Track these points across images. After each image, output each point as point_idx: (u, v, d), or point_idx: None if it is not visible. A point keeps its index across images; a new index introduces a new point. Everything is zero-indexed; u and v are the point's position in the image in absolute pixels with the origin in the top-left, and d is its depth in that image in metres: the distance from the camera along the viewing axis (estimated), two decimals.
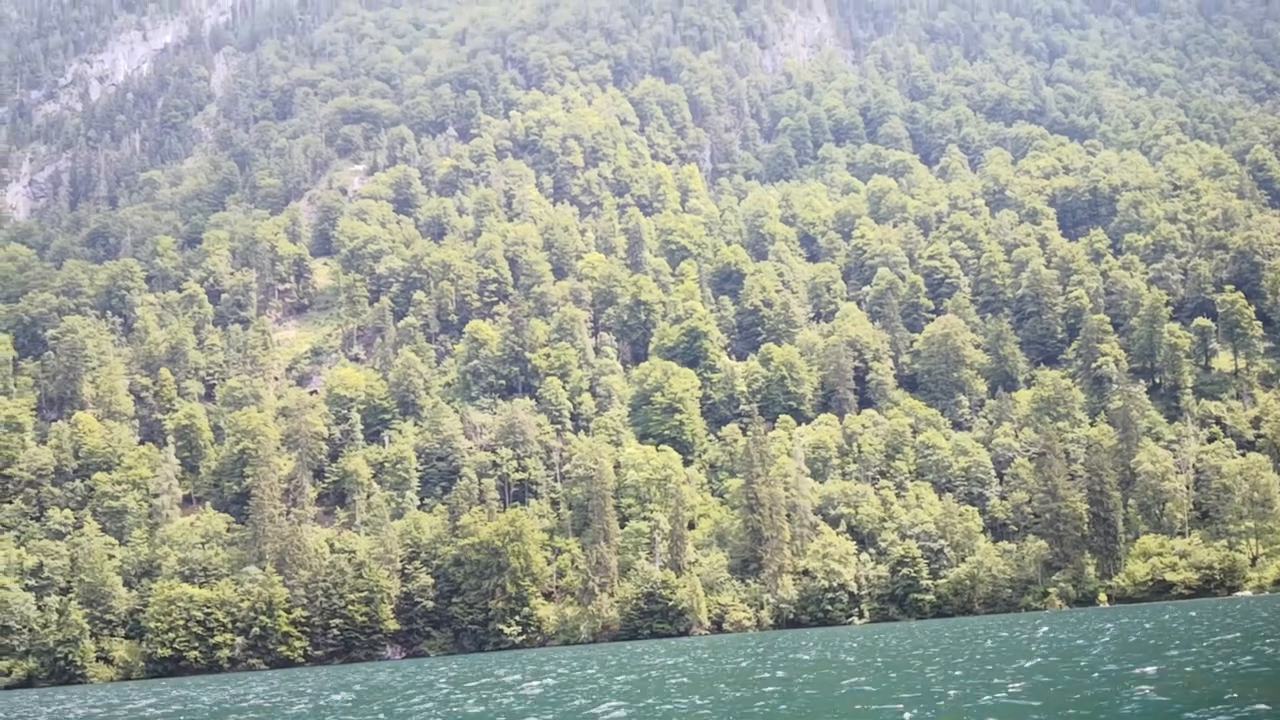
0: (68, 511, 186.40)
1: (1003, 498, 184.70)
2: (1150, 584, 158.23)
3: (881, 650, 74.61)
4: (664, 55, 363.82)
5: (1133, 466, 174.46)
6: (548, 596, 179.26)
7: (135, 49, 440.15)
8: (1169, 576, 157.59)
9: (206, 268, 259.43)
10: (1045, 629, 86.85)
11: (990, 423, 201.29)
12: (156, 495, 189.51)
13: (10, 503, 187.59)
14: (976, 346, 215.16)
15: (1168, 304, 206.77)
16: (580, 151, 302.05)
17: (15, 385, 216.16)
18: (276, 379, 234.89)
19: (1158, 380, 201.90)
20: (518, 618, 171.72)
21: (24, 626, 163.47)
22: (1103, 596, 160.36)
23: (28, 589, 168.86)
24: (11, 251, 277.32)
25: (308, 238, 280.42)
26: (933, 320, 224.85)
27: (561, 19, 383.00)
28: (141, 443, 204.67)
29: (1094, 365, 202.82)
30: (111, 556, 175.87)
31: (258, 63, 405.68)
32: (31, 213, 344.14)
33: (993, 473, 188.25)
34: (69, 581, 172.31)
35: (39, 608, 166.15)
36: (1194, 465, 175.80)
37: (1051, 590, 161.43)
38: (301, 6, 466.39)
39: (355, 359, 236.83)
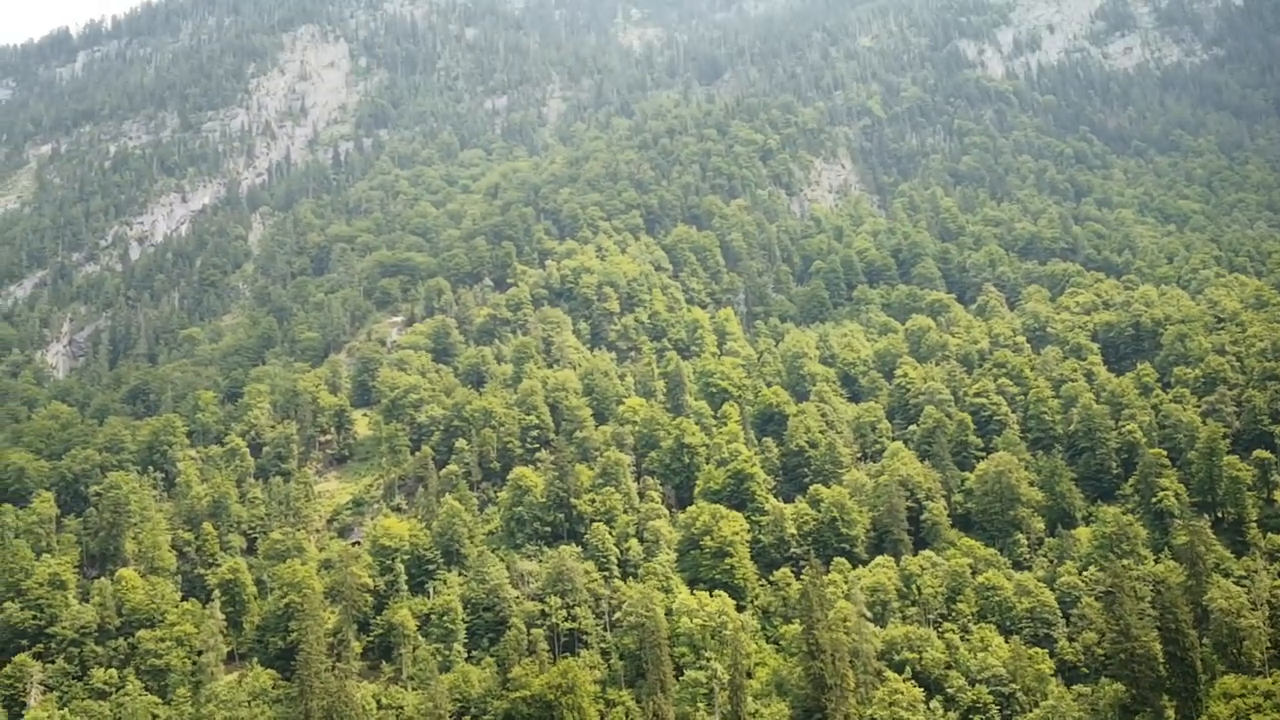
0: (111, 670, 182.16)
1: (1071, 639, 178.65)
2: None
3: None
4: (694, 203, 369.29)
5: (1205, 604, 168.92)
6: None
7: (174, 210, 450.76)
8: (1254, 718, 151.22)
9: (248, 421, 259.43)
10: None
11: (1051, 561, 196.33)
12: (201, 652, 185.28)
13: (53, 662, 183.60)
14: (1030, 484, 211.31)
15: (1224, 436, 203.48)
16: (616, 298, 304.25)
17: (58, 543, 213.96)
18: (318, 531, 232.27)
19: (1220, 514, 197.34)
20: None
21: None
22: None
23: None
24: (53, 410, 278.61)
25: (348, 389, 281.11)
26: (982, 458, 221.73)
27: (592, 172, 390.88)
28: (184, 598, 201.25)
29: (1154, 500, 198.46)
30: (155, 716, 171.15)
31: (294, 221, 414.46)
32: (71, 371, 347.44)
33: (1058, 613, 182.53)
34: None
35: None
36: (1268, 600, 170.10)
37: None
38: (335, 167, 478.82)
39: (397, 509, 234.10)
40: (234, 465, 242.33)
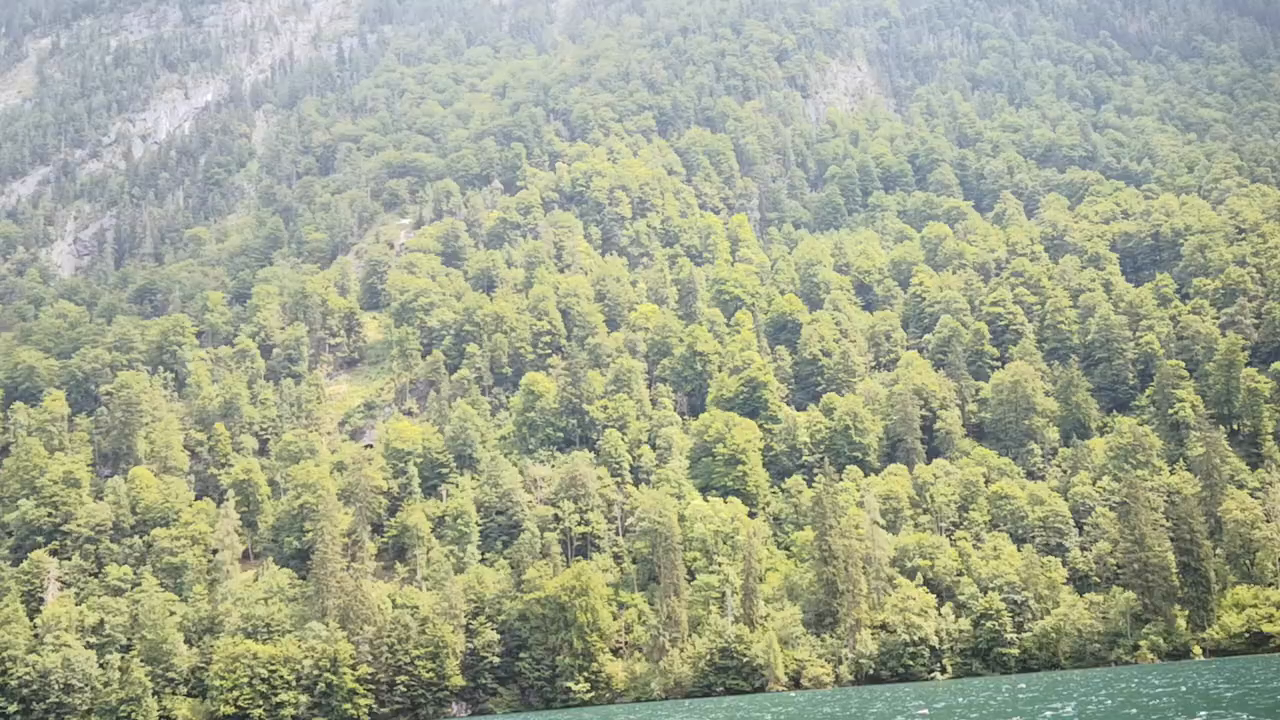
0: (126, 568, 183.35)
1: (1084, 549, 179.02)
2: (1246, 636, 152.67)
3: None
4: (708, 105, 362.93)
5: (1219, 515, 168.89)
6: (615, 652, 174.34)
7: (177, 107, 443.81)
8: (1265, 628, 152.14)
9: (257, 322, 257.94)
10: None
11: (1065, 471, 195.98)
12: (216, 551, 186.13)
13: (69, 559, 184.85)
14: (1046, 394, 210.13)
15: (1243, 348, 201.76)
16: (628, 202, 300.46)
17: (70, 441, 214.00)
18: (330, 433, 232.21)
19: (1236, 427, 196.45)
20: (586, 674, 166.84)
21: (86, 684, 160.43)
22: (1197, 649, 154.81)
23: (89, 646, 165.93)
24: (60, 309, 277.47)
25: (357, 291, 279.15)
26: (998, 368, 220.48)
27: (603, 71, 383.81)
28: (198, 498, 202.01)
29: (1170, 412, 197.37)
30: (172, 613, 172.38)
31: (299, 119, 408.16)
32: (77, 270, 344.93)
33: (1071, 522, 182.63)
34: (130, 639, 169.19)
35: (101, 665, 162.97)
36: None
37: (1142, 643, 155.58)
38: (340, 64, 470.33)
39: (408, 413, 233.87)
40: (244, 366, 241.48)
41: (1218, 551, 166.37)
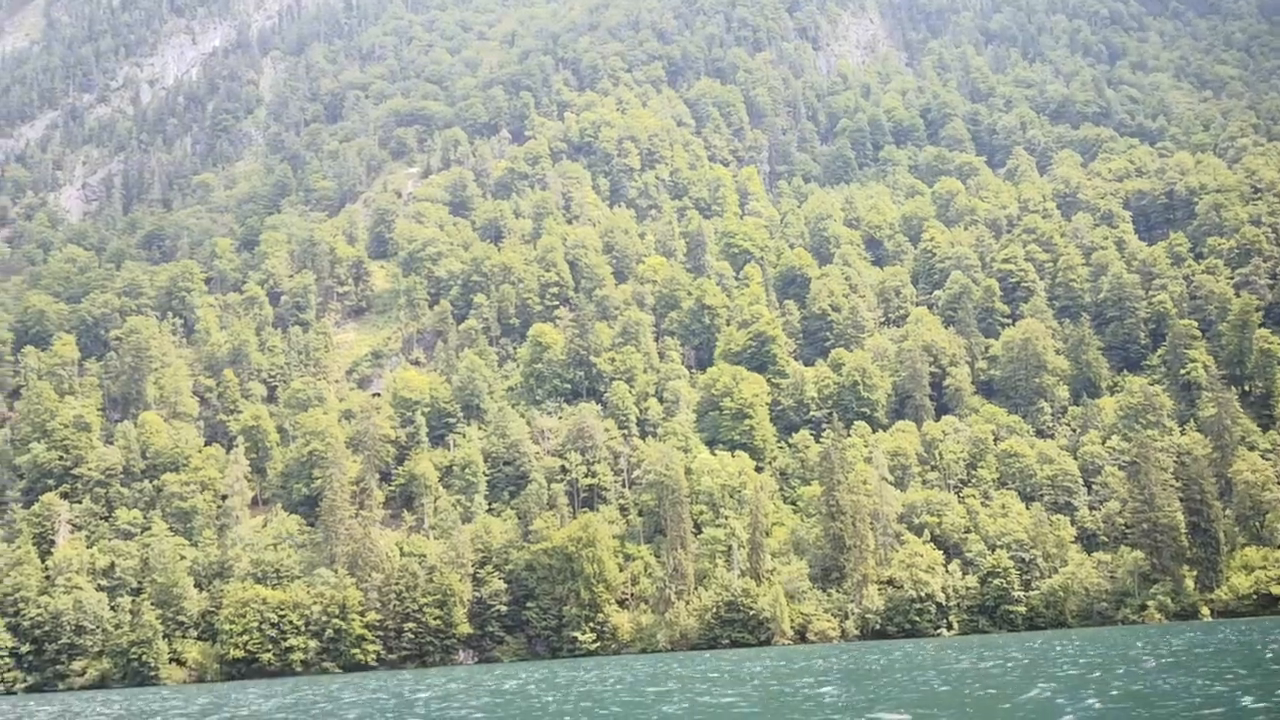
0: (136, 512, 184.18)
1: (1093, 508, 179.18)
2: (1255, 597, 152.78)
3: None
4: (718, 56, 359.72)
5: (1229, 476, 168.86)
6: (621, 604, 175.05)
7: (185, 52, 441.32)
8: (1274, 590, 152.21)
9: (265, 270, 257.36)
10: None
11: (1075, 430, 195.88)
12: (225, 497, 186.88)
13: (80, 502, 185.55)
14: (1057, 352, 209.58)
15: (1257, 309, 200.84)
16: (637, 153, 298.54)
17: (80, 386, 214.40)
18: (337, 382, 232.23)
19: (1248, 388, 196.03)
20: (592, 625, 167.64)
21: (97, 626, 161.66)
22: (1205, 610, 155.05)
23: (99, 589, 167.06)
24: (69, 253, 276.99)
25: (364, 240, 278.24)
26: (1008, 325, 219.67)
27: (612, 20, 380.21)
28: (207, 444, 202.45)
29: (1182, 371, 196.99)
30: (182, 558, 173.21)
31: (306, 66, 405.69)
32: (85, 215, 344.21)
33: (1080, 481, 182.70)
34: (140, 582, 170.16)
35: (112, 608, 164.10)
36: None
37: (1150, 603, 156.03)
38: (347, 11, 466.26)
39: (415, 362, 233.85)
40: (253, 313, 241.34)
41: (1227, 513, 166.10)
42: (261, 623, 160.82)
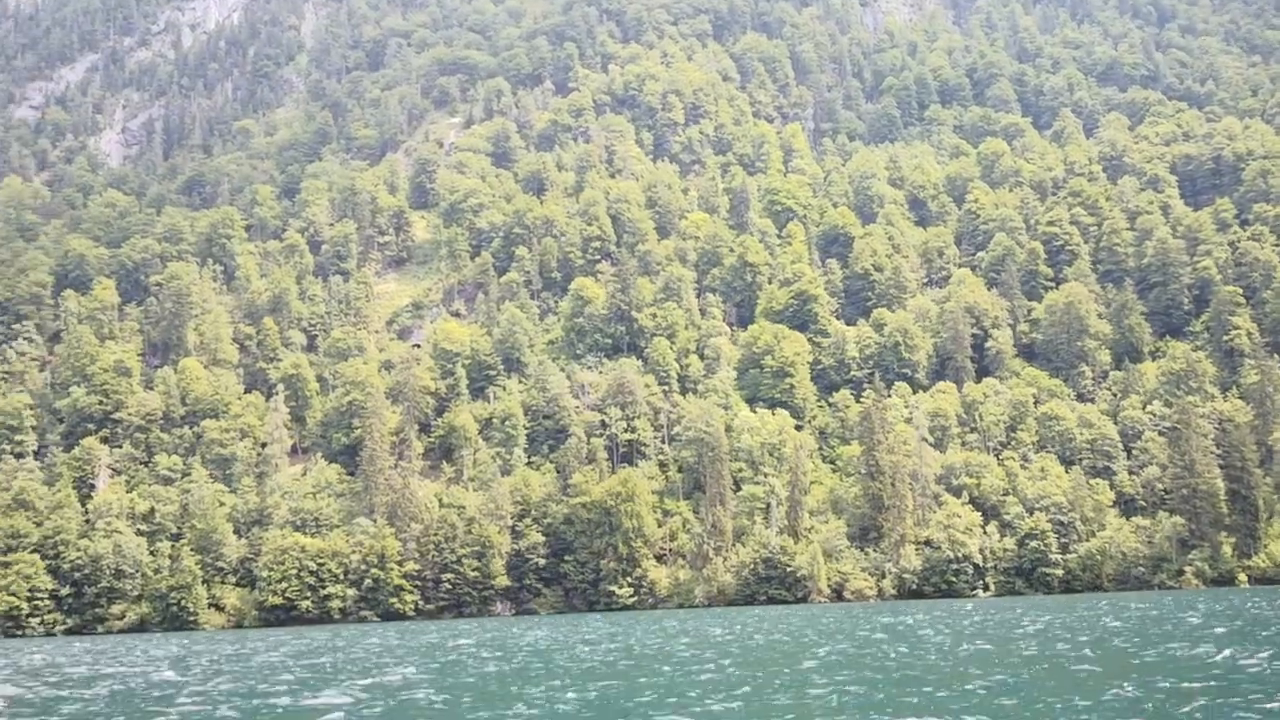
0: (176, 458, 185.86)
1: (1132, 473, 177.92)
2: None
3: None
4: (764, 10, 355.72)
5: (1270, 444, 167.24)
6: (658, 559, 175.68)
7: None
8: None
9: (306, 218, 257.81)
10: None
11: (1115, 395, 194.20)
12: (265, 444, 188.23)
13: (120, 447, 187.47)
14: (1099, 316, 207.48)
15: None
16: (681, 108, 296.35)
17: (120, 330, 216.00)
18: (377, 332, 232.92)
19: None
20: (629, 579, 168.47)
21: (137, 571, 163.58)
22: (1242, 577, 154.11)
23: (139, 534, 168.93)
24: (110, 198, 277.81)
25: (405, 190, 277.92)
26: (1051, 288, 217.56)
27: None
28: (246, 391, 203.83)
29: (1224, 338, 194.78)
30: (221, 504, 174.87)
31: (348, 12, 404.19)
32: (125, 159, 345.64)
33: (1120, 446, 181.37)
34: (180, 528, 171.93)
35: (151, 553, 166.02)
36: None
37: (1187, 569, 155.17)
38: None
39: (456, 314, 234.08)
40: (293, 261, 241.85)
41: (1267, 480, 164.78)
42: (300, 570, 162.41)
